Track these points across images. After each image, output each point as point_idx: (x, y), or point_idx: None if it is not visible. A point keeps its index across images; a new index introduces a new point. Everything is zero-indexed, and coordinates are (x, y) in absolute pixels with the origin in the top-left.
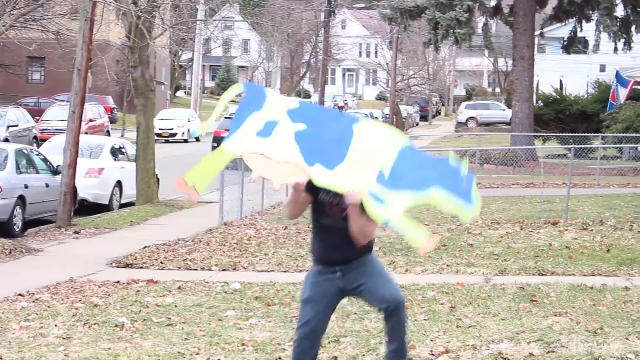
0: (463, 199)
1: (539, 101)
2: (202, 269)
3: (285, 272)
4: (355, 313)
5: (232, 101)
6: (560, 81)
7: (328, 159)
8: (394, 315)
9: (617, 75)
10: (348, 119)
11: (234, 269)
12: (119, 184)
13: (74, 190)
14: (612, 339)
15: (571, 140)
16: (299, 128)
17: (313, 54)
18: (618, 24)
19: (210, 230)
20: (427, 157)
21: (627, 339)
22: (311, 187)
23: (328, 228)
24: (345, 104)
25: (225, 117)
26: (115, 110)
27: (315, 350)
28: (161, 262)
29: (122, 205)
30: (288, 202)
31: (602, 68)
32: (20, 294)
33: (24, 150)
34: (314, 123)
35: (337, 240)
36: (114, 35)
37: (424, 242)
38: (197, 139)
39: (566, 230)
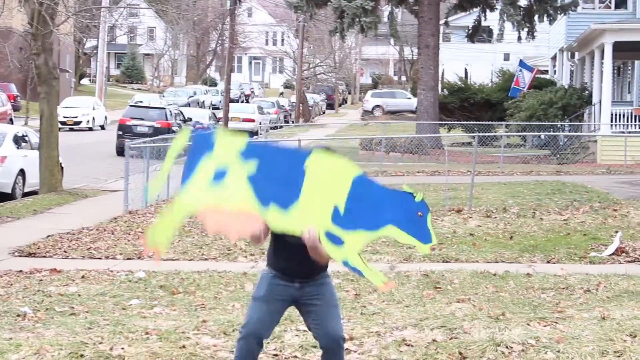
0: (419, 237)
1: (444, 89)
2: (107, 257)
3: (190, 260)
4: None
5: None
6: (465, 70)
7: (282, 199)
8: (330, 353)
9: (521, 62)
10: (299, 155)
11: (139, 258)
12: (22, 172)
13: None
14: (513, 325)
15: (476, 129)
16: (251, 170)
17: (219, 42)
18: (521, 13)
19: (115, 219)
20: (381, 188)
21: (528, 324)
22: None
23: (288, 245)
24: (252, 91)
25: (130, 105)
26: (18, 98)
27: (258, 350)
28: (65, 251)
29: (25, 194)
30: (251, 241)
31: (507, 57)
32: None
33: None
34: (265, 162)
35: (297, 256)
36: (16, 22)
37: (381, 283)
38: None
39: (470, 217)
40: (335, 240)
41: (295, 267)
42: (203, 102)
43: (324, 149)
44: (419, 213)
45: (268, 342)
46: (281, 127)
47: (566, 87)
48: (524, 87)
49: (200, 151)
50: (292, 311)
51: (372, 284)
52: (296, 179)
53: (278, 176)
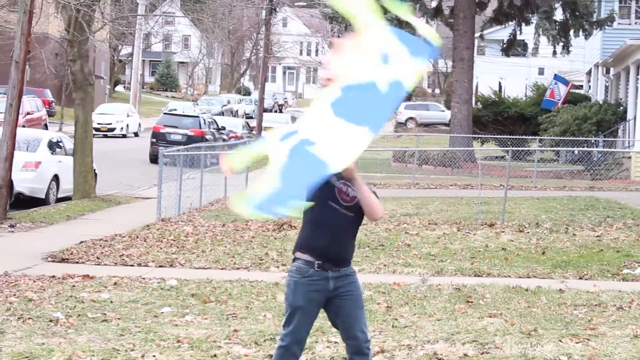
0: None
1: (478, 103)
2: (139, 265)
3: (222, 269)
4: None
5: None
6: (500, 83)
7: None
8: (358, 354)
9: (556, 76)
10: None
11: (171, 266)
12: (56, 178)
13: (10, 184)
14: (545, 341)
15: (509, 143)
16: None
17: (254, 51)
18: (557, 28)
19: (148, 226)
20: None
21: (560, 340)
22: None
23: (334, 215)
24: (286, 101)
25: (164, 113)
26: (53, 103)
27: (300, 354)
28: (97, 258)
29: (58, 200)
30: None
31: (541, 71)
32: None
33: None
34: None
35: (340, 232)
36: (53, 28)
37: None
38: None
39: (502, 232)
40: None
41: (335, 247)
42: (236, 111)
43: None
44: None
45: None
46: None
47: (601, 102)
48: (559, 100)
49: None
50: (323, 322)
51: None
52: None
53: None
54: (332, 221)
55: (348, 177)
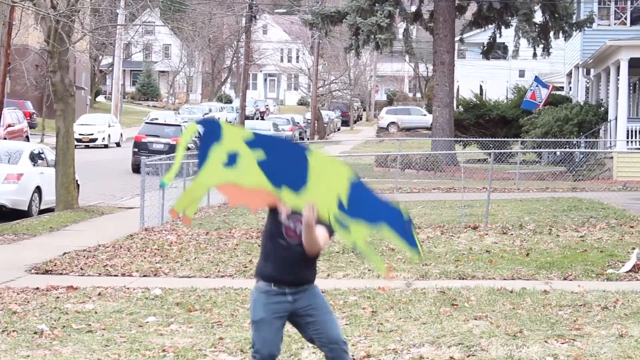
0: (408, 241)
1: (460, 106)
2: (123, 275)
3: (206, 277)
4: None
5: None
6: (480, 86)
7: (292, 183)
8: (337, 359)
9: (537, 78)
10: (300, 148)
11: (155, 275)
12: (38, 189)
13: None
14: (531, 342)
15: (491, 145)
16: (259, 156)
17: (234, 59)
18: (537, 30)
19: (131, 236)
20: (374, 194)
21: (546, 341)
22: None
23: (283, 249)
24: (267, 108)
25: (145, 122)
26: (34, 115)
27: None
28: (81, 269)
29: (41, 211)
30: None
31: (522, 73)
32: None
33: None
34: (271, 151)
35: (289, 262)
36: (33, 39)
37: (385, 271)
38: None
39: (486, 234)
40: (343, 226)
41: (288, 274)
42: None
43: (317, 149)
44: (406, 228)
45: None
46: None
47: (582, 103)
48: (540, 102)
49: (210, 140)
50: None
51: (377, 270)
52: (301, 168)
53: (284, 163)
54: (282, 254)
55: (306, 220)
